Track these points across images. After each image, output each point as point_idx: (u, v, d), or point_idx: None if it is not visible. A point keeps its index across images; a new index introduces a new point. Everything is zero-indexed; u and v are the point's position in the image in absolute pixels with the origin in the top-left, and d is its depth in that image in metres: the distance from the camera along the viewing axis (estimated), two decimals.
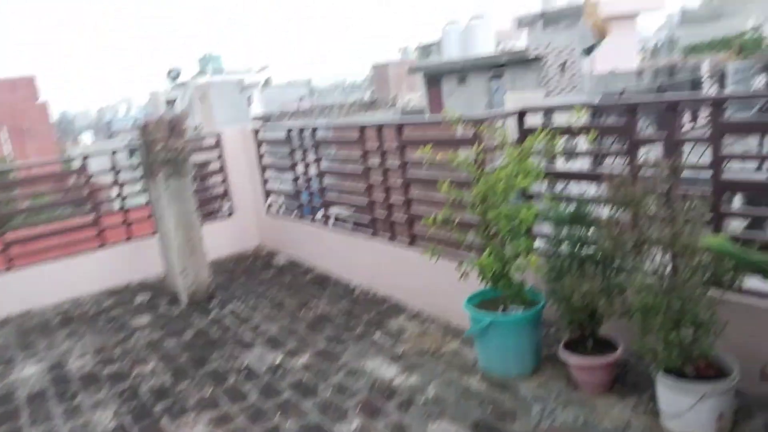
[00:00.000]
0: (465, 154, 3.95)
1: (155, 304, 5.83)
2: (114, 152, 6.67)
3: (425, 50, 31.18)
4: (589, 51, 15.05)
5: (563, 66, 20.30)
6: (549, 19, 25.96)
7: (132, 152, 8.41)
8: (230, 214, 7.42)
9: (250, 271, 6.61)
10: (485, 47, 24.10)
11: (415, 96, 41.78)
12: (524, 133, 4.14)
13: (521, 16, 26.89)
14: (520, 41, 26.15)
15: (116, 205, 6.81)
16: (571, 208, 3.49)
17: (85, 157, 6.58)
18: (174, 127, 5.52)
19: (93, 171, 6.60)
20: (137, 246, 6.68)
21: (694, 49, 29.51)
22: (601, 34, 14.52)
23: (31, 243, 6.25)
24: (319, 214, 6.45)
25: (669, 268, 2.96)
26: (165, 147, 5.44)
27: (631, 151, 3.58)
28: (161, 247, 6.02)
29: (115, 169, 6.56)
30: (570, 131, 3.73)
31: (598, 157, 5.73)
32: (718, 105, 3.19)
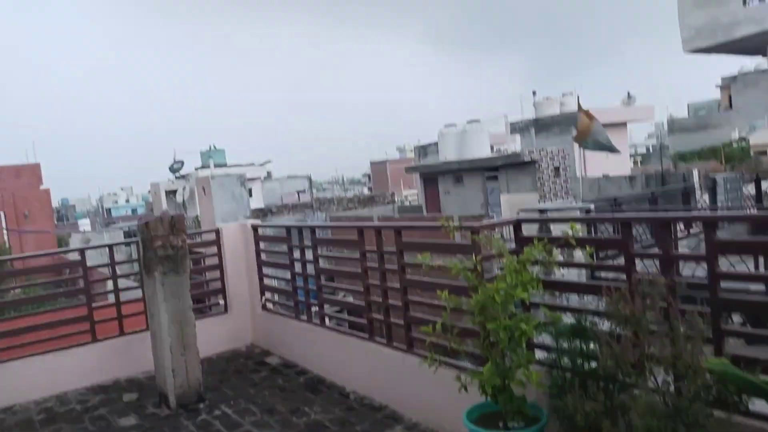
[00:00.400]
0: (463, 262, 3.99)
1: (143, 404, 5.64)
2: (111, 246, 6.70)
3: (422, 150, 32.14)
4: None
5: (557, 170, 20.90)
6: (542, 125, 27.03)
7: (129, 244, 8.49)
8: (225, 311, 7.35)
9: (242, 371, 6.45)
10: (481, 150, 24.88)
11: (412, 192, 42.66)
12: (521, 241, 4.20)
13: (515, 122, 27.99)
14: (514, 145, 27.06)
15: (110, 298, 6.77)
16: (571, 319, 3.49)
17: (83, 251, 6.60)
18: (175, 224, 5.58)
19: (90, 263, 6.59)
20: (129, 341, 6.55)
21: (683, 157, 30.55)
22: (583, 135, 15.39)
23: (21, 335, 6.13)
24: (314, 311, 6.39)
25: (672, 388, 2.92)
26: (164, 244, 5.48)
27: (628, 265, 3.63)
28: (153, 344, 5.90)
29: (112, 263, 6.57)
30: (567, 244, 3.79)
31: (595, 269, 5.78)
32: (711, 224, 3.28)
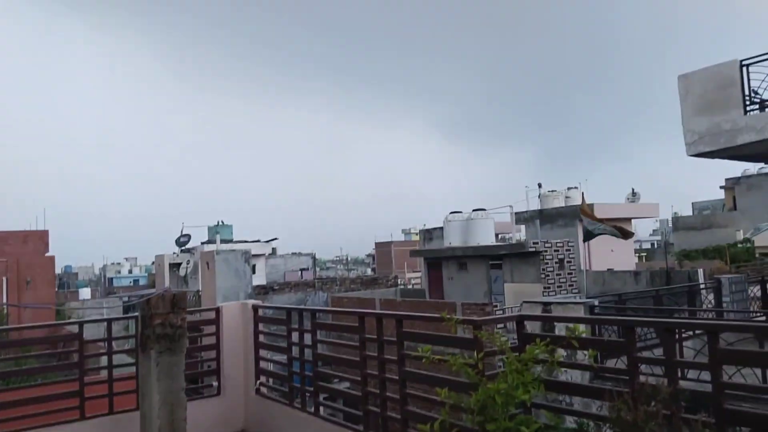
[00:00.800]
0: (465, 357, 3.93)
1: None
2: (110, 321, 6.65)
3: (428, 234, 32.35)
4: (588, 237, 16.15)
5: (561, 262, 20.87)
6: (546, 217, 27.28)
7: (127, 315, 8.44)
8: (218, 393, 7.16)
9: None
10: (486, 238, 25.00)
11: (415, 276, 42.50)
12: (524, 339, 4.15)
13: (520, 212, 28.29)
14: (519, 235, 27.21)
15: (102, 373, 6.62)
16: (572, 423, 3.39)
17: (81, 324, 6.53)
18: (176, 303, 5.56)
19: (86, 336, 6.50)
20: (117, 420, 6.35)
21: (687, 255, 30.53)
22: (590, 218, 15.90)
23: (9, 409, 5.97)
24: (308, 396, 6.23)
25: None
26: (164, 323, 5.43)
27: (632, 369, 3.56)
28: (141, 426, 5.72)
29: (109, 339, 6.49)
30: (570, 345, 3.75)
31: (598, 371, 5.67)
32: (714, 332, 3.24)
